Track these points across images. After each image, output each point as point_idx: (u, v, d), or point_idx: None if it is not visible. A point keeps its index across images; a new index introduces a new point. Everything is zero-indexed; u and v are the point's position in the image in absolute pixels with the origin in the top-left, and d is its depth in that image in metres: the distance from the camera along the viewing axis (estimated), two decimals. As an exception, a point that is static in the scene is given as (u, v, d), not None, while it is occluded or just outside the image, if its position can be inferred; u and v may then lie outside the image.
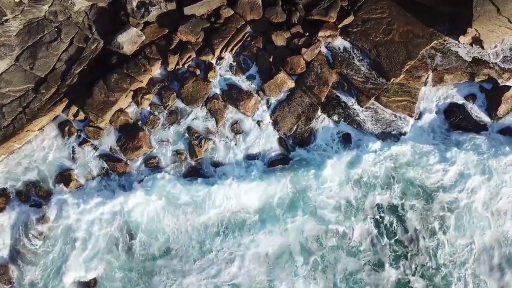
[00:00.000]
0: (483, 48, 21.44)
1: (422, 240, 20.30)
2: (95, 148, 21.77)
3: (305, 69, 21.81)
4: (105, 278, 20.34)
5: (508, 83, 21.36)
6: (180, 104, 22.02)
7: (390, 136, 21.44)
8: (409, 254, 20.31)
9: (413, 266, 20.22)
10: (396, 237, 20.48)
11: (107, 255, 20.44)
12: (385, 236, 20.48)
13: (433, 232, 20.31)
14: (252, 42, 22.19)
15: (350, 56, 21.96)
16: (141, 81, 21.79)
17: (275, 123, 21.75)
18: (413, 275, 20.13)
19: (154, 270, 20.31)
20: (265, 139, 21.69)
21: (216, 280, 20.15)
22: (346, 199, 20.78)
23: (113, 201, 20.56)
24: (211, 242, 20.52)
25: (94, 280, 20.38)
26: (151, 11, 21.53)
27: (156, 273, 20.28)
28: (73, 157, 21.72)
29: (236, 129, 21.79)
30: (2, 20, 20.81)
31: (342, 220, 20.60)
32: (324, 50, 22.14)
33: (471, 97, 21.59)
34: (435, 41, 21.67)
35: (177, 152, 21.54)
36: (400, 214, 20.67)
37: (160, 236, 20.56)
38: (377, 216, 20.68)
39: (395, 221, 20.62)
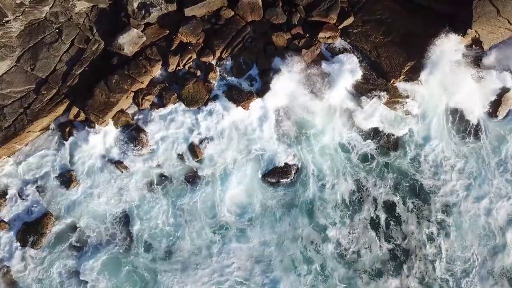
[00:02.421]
0: (483, 49, 21.49)
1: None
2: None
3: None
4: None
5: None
6: (181, 105, 22.06)
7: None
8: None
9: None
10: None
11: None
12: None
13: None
14: (253, 43, 22.24)
15: (350, 57, 21.99)
16: (141, 82, 21.83)
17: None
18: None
19: None
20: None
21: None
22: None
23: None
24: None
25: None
26: (151, 12, 21.56)
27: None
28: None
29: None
30: (3, 21, 20.77)
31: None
32: (324, 51, 22.18)
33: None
34: (435, 42, 21.67)
35: (178, 154, 21.69)
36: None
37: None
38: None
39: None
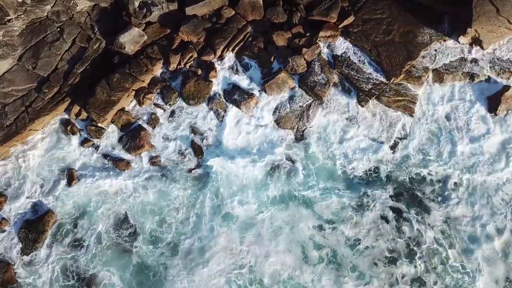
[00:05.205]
0: (482, 48, 21.56)
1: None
2: (97, 147, 21.99)
3: (306, 69, 21.95)
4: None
5: (508, 83, 21.55)
6: (182, 104, 22.15)
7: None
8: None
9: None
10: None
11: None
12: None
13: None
14: (253, 42, 22.32)
15: (351, 56, 22.09)
16: (143, 81, 21.91)
17: (276, 123, 21.92)
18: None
19: None
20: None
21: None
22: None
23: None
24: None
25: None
26: (153, 11, 21.66)
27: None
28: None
29: (237, 128, 21.98)
30: (5, 20, 20.90)
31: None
32: (325, 50, 22.28)
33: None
34: (435, 41, 21.81)
35: (180, 151, 21.75)
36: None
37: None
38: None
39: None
